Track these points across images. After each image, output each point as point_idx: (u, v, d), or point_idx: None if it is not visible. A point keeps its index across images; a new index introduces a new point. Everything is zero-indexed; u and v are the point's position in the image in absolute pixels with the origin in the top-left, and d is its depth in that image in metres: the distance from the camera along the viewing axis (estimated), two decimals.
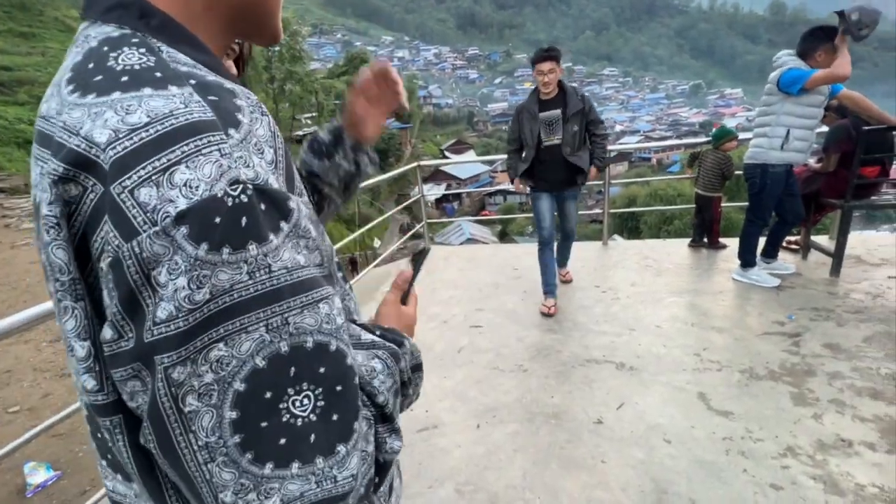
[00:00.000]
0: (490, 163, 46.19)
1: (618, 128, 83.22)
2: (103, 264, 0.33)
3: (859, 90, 3.12)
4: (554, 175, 3.02)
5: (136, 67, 0.36)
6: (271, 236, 0.35)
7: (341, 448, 0.38)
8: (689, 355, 2.44)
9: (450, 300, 3.44)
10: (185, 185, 0.32)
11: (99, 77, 0.35)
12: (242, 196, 0.33)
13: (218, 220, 0.32)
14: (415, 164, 4.84)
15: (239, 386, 0.34)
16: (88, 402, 0.39)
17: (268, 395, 0.35)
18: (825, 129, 3.29)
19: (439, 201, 37.40)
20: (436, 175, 40.61)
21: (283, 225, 0.36)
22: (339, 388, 0.38)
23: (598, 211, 5.93)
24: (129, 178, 0.32)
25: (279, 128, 0.41)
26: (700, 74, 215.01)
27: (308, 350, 0.36)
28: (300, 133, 24.67)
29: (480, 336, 2.87)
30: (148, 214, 0.31)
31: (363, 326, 0.53)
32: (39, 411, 2.98)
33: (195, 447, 0.34)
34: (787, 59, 2.88)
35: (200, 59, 0.40)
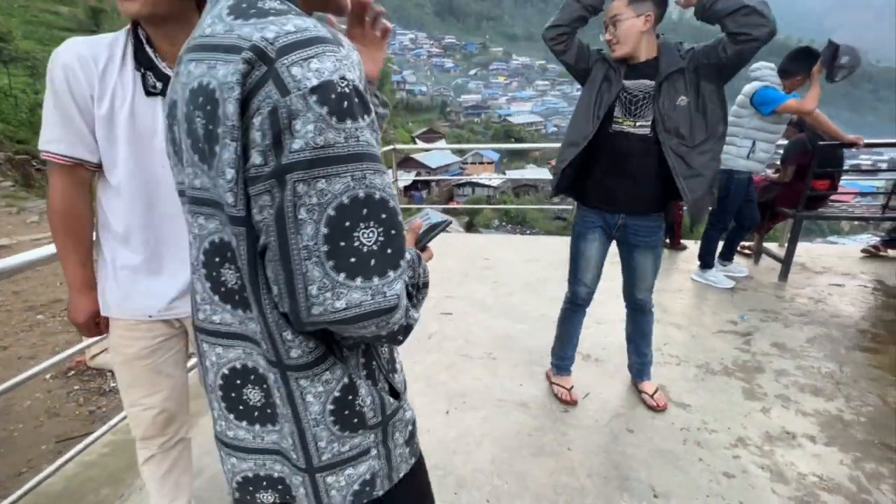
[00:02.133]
0: (461, 153, 46.18)
1: None
2: (261, 114, 0.49)
3: None
4: (622, 185, 1.77)
5: (277, 7, 0.53)
6: (360, 119, 0.51)
7: (391, 273, 0.53)
8: None
9: None
10: (316, 70, 0.49)
11: (254, 11, 0.53)
12: (347, 87, 0.50)
13: (333, 96, 0.49)
14: (390, 147, 4.75)
15: (331, 212, 0.50)
16: (227, 215, 0.54)
17: (347, 223, 0.50)
18: (784, 141, 3.49)
19: (407, 189, 37.12)
20: (406, 162, 40.25)
21: (366, 116, 0.52)
22: (393, 231, 0.53)
23: (563, 206, 6.08)
24: (287, 58, 0.49)
25: None
26: None
27: (376, 199, 0.52)
28: None
29: (450, 323, 2.86)
30: (296, 82, 0.48)
31: None
32: None
33: (300, 246, 0.50)
34: (767, 72, 3.00)
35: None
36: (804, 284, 3.40)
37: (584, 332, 2.68)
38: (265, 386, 0.63)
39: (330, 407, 0.62)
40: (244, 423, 0.66)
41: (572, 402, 2.07)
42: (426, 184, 39.31)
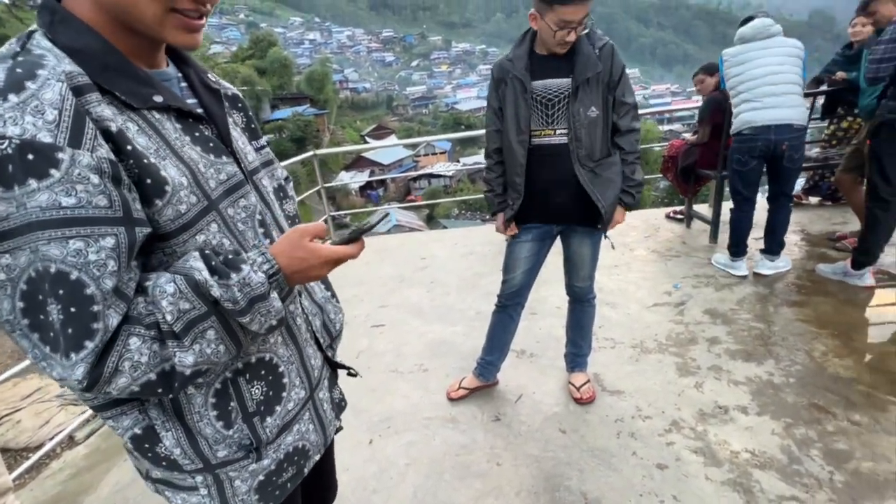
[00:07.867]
0: (413, 146, 45.70)
1: None
2: None
3: None
4: (553, 197, 1.63)
5: (11, 48, 0.52)
6: (31, 181, 0.46)
7: (73, 356, 0.50)
8: None
9: (352, 299, 3.20)
10: None
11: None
12: (8, 149, 0.45)
13: None
14: (311, 153, 4.47)
15: (23, 286, 0.48)
16: None
17: (39, 297, 0.49)
18: None
19: (363, 189, 36.35)
20: (358, 162, 39.31)
21: (53, 172, 0.47)
22: (72, 309, 0.49)
23: None
24: None
25: None
26: None
27: (52, 273, 0.48)
28: None
29: (381, 337, 2.68)
30: None
31: (205, 256, 0.57)
32: None
33: (2, 320, 0.50)
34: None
35: (80, 42, 0.53)
36: None
37: (519, 325, 2.57)
38: None
39: (129, 446, 0.66)
40: None
41: (452, 399, 2.05)
42: (382, 181, 38.62)
